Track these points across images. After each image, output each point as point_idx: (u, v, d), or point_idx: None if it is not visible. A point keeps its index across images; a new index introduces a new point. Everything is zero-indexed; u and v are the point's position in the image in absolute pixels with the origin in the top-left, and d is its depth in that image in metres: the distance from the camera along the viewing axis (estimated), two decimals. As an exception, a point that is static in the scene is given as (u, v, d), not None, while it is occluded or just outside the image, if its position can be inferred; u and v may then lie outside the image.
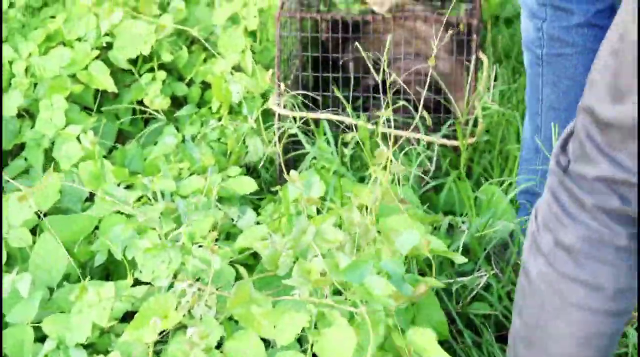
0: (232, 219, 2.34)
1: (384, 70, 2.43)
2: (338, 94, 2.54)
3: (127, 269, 2.01)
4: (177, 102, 3.05)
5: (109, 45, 3.01)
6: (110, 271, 2.37)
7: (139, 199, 2.42)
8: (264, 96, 2.89)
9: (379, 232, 1.81)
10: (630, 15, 1.35)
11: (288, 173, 2.68)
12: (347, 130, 2.58)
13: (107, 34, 3.01)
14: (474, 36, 2.52)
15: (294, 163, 2.70)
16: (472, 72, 2.52)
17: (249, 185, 2.41)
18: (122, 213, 2.39)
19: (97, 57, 2.95)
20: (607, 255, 1.50)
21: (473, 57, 2.53)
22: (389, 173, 1.94)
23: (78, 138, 2.74)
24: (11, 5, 3.10)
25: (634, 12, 1.34)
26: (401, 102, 2.59)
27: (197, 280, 1.93)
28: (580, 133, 1.48)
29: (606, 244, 1.49)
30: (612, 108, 1.40)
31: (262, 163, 2.71)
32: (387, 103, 2.57)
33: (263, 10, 2.99)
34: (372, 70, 2.26)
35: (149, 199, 2.44)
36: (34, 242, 2.26)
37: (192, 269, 1.90)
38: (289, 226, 2.23)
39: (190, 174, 2.60)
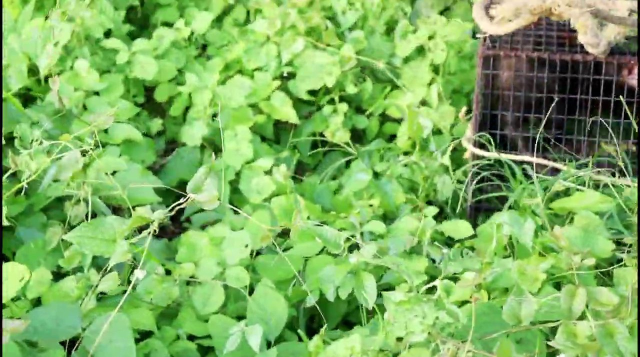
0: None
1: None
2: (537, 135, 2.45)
3: (379, 321, 1.95)
4: (356, 134, 3.00)
5: (289, 75, 2.97)
6: (317, 311, 2.33)
7: (347, 239, 2.37)
8: (450, 132, 2.83)
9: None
10: None
11: (478, 215, 2.62)
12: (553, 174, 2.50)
13: (287, 64, 2.97)
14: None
15: (484, 206, 2.61)
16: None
17: (465, 229, 2.33)
18: (328, 253, 2.35)
19: (277, 88, 2.92)
20: None
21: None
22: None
23: (266, 171, 2.71)
24: (192, 33, 3.08)
25: None
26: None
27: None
28: None
29: None
30: None
31: (450, 202, 2.64)
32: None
33: (448, 43, 2.92)
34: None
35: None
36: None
37: (442, 323, 1.84)
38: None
39: (384, 213, 2.55)
